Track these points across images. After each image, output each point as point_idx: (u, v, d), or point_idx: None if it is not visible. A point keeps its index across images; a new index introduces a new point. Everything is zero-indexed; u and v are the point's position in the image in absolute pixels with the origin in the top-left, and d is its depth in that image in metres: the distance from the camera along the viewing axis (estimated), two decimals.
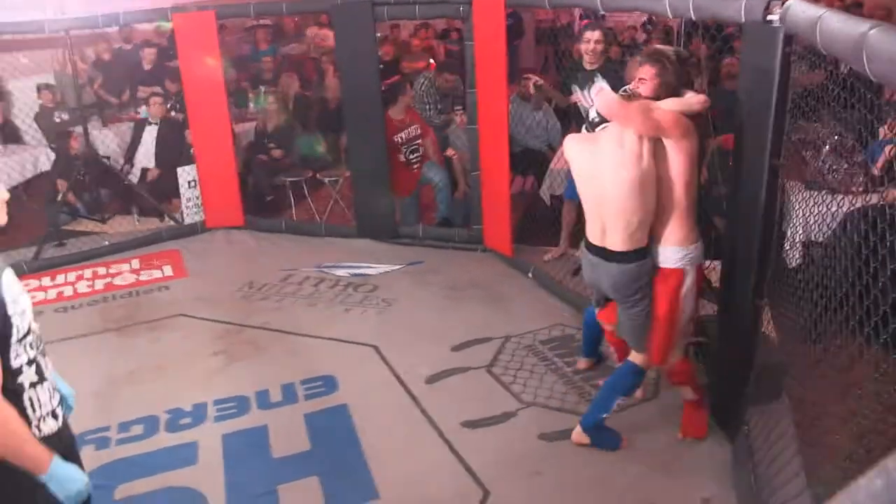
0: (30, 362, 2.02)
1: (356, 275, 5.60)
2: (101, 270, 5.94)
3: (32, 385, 2.03)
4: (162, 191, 6.96)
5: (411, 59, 8.73)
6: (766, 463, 2.90)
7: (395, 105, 6.18)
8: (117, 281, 5.74)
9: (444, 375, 4.17)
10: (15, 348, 1.96)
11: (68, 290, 5.61)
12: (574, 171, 3.36)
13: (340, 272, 5.66)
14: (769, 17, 2.84)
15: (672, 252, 3.21)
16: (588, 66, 4.83)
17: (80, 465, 2.19)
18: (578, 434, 3.47)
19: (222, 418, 3.88)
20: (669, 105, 3.14)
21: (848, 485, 0.99)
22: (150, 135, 7.17)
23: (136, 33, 8.96)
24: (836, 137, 4.62)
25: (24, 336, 2.00)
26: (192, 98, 6.33)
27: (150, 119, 7.19)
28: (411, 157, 6.29)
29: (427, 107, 7.15)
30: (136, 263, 6.05)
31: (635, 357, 3.39)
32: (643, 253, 3.19)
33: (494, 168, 5.49)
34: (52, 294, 5.56)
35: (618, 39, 8.04)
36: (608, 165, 3.12)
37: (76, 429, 2.25)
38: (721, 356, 3.58)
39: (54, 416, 2.09)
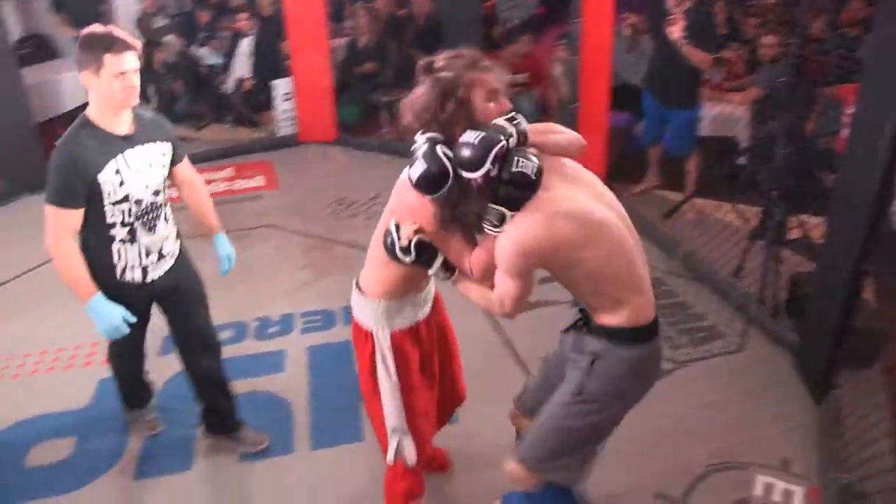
0: (124, 224, 2.48)
1: None
2: None
3: (122, 241, 2.50)
4: (256, 102, 7.03)
5: None
6: (854, 432, 2.83)
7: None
8: (211, 188, 5.84)
9: (531, 306, 4.09)
10: (109, 209, 2.44)
11: None
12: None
13: None
14: None
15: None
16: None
17: (147, 317, 2.73)
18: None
19: (309, 330, 3.98)
20: None
21: None
22: (246, 45, 7.20)
23: None
24: None
25: (120, 201, 2.43)
26: (291, 9, 6.30)
27: (241, 32, 7.21)
28: None
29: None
30: (229, 172, 6.18)
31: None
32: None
33: (594, 101, 5.35)
34: None
35: None
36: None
37: None
38: (815, 317, 3.45)
39: (144, 271, 2.59)
